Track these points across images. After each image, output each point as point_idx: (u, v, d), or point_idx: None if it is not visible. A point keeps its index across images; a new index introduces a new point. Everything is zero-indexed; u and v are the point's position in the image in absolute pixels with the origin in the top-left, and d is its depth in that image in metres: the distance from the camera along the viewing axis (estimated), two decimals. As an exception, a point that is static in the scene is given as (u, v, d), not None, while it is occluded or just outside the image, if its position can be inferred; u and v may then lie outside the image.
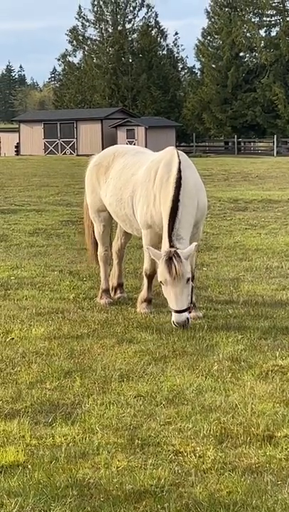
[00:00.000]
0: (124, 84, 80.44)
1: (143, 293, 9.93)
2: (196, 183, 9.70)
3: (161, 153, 9.98)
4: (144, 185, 9.73)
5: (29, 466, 5.46)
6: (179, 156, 9.56)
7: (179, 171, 9.38)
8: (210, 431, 5.99)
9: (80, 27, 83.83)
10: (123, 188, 10.06)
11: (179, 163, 9.47)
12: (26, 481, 5.23)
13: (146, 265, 9.89)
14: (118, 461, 5.53)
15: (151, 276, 9.89)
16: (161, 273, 8.97)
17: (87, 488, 5.15)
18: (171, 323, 8.96)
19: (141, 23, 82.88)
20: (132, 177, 10.02)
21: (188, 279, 8.97)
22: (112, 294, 10.64)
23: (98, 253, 10.76)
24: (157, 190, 9.53)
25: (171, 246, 9.03)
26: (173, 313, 8.96)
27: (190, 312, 9.15)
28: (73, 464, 5.50)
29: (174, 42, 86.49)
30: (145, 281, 9.92)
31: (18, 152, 72.08)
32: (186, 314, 8.93)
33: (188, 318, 8.94)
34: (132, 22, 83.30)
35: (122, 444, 5.81)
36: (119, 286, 10.82)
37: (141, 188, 9.78)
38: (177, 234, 9.12)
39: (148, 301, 9.88)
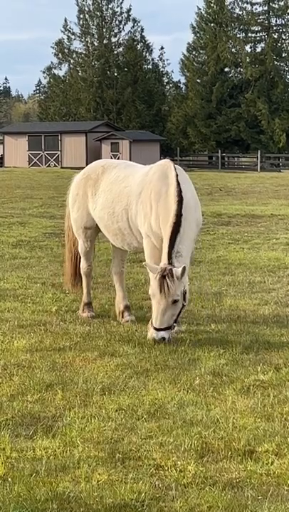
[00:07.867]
0: (109, 97, 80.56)
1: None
2: (194, 196, 9.53)
3: (156, 166, 9.75)
4: (140, 197, 9.50)
5: (9, 479, 5.44)
6: (175, 169, 9.37)
7: (178, 183, 9.16)
8: (191, 445, 5.98)
9: (65, 40, 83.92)
10: (116, 201, 9.81)
11: (176, 175, 9.26)
12: (6, 494, 5.21)
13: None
14: (99, 474, 5.51)
15: None
16: (152, 288, 8.90)
17: (67, 502, 5.13)
18: (146, 337, 8.98)
19: (127, 37, 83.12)
20: (125, 189, 9.77)
21: (175, 301, 8.83)
22: (118, 318, 10.11)
23: (81, 267, 10.58)
24: (154, 201, 9.28)
25: (169, 263, 8.87)
26: (150, 328, 8.95)
27: (173, 328, 9.00)
28: (53, 477, 5.48)
29: (159, 56, 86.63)
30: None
31: (1, 164, 71.95)
32: (162, 333, 8.80)
33: (164, 338, 8.79)
34: (118, 36, 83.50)
35: (103, 458, 5.79)
36: (126, 308, 10.17)
37: (136, 201, 9.56)
38: (177, 250, 8.94)
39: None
